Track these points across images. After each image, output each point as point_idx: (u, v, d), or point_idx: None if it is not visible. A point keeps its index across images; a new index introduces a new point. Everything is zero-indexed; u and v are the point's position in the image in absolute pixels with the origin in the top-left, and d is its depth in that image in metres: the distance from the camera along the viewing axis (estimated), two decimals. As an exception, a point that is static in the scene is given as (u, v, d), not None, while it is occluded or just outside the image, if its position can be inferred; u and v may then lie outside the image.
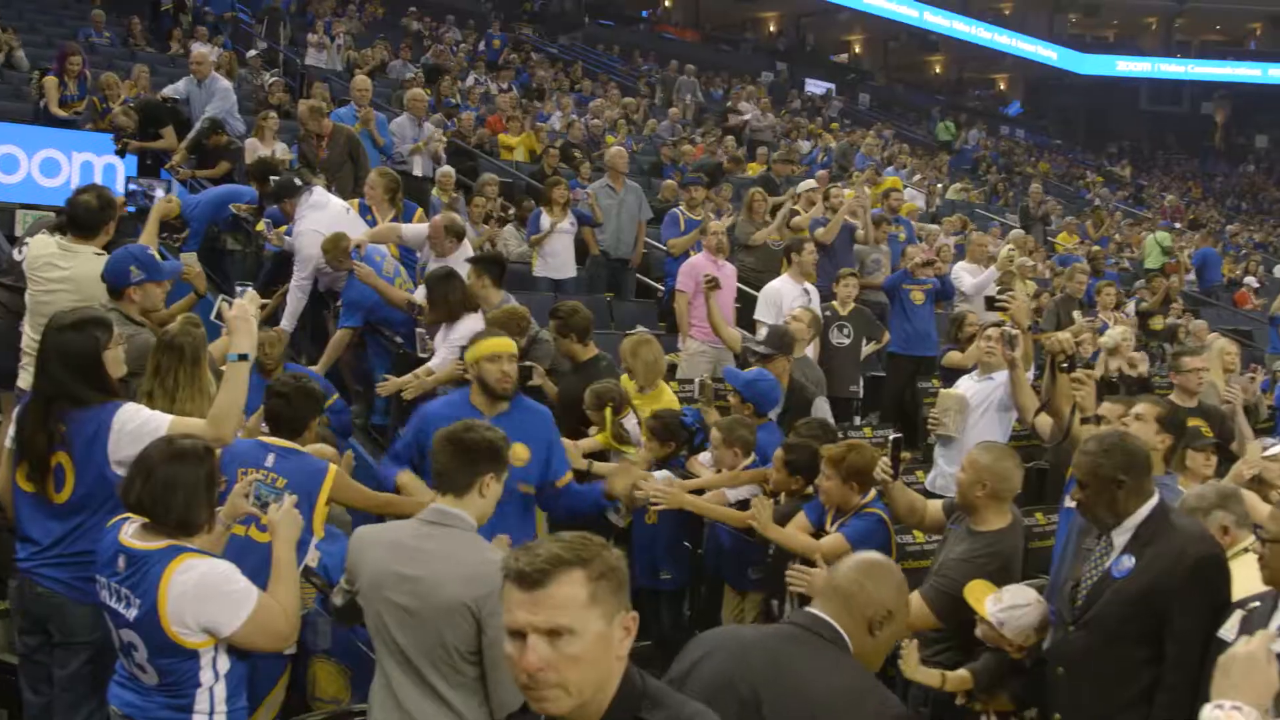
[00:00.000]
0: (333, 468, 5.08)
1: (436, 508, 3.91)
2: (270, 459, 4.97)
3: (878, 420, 10.00)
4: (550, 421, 5.87)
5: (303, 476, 4.91)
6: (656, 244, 12.80)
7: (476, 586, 3.65)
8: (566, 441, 6.61)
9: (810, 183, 14.07)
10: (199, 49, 14.12)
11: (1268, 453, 6.67)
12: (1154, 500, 4.29)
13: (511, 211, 13.27)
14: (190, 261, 7.38)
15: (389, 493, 5.59)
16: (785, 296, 9.82)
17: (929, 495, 7.20)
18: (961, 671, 4.76)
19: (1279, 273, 25.50)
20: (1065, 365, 6.09)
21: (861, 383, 10.48)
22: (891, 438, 5.49)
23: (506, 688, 3.65)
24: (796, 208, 12.93)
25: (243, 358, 4.62)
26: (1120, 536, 4.27)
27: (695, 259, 10.24)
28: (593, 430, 7.15)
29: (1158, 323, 14.01)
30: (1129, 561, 4.20)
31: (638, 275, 12.93)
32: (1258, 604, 3.96)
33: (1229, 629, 3.94)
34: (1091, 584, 4.30)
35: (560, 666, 2.37)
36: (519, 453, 5.31)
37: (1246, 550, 4.67)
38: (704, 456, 6.81)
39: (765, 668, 3.09)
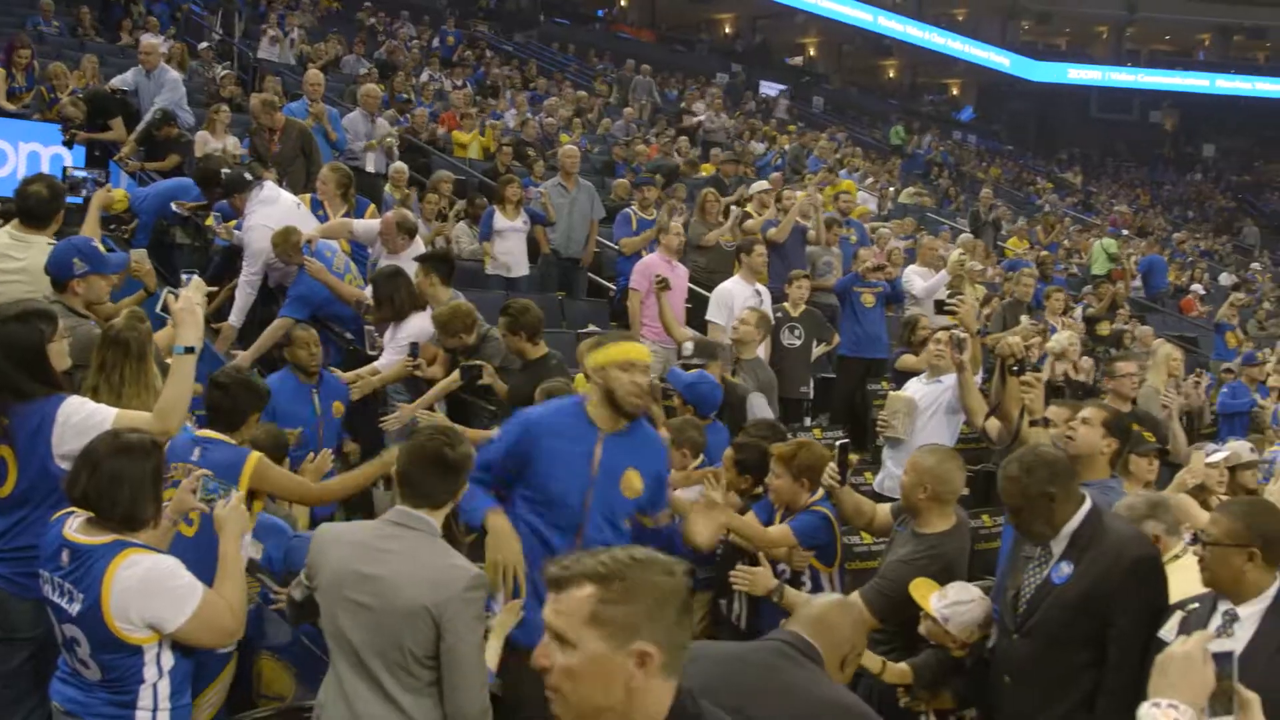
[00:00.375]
0: (253, 455, 5.00)
1: (403, 510, 3.89)
2: (197, 453, 4.90)
3: (828, 421, 10.04)
4: (665, 454, 5.20)
5: (222, 467, 4.78)
6: (609, 243, 12.81)
7: (439, 591, 3.66)
8: None
9: (762, 184, 14.11)
10: (148, 39, 13.96)
11: (1210, 459, 6.76)
12: (1086, 506, 4.34)
13: (464, 208, 13.22)
14: (140, 258, 7.31)
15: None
16: (737, 297, 9.85)
17: (878, 497, 7.25)
18: (902, 665, 4.78)
19: (1224, 280, 25.82)
20: (1015, 369, 6.16)
21: (812, 384, 10.53)
22: (839, 443, 5.52)
23: (462, 694, 3.67)
24: (749, 209, 12.97)
25: (189, 350, 4.58)
26: (1058, 545, 4.33)
27: (649, 258, 10.26)
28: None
29: (1104, 328, 14.13)
30: (1068, 568, 4.26)
31: (589, 274, 12.92)
32: (1196, 605, 4.03)
33: (1169, 630, 4.00)
34: (1032, 592, 4.35)
35: (557, 673, 2.36)
36: (632, 481, 4.74)
37: (1177, 557, 4.78)
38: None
39: (753, 678, 3.12)
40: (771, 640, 3.31)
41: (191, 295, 4.72)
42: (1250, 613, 3.85)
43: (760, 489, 6.02)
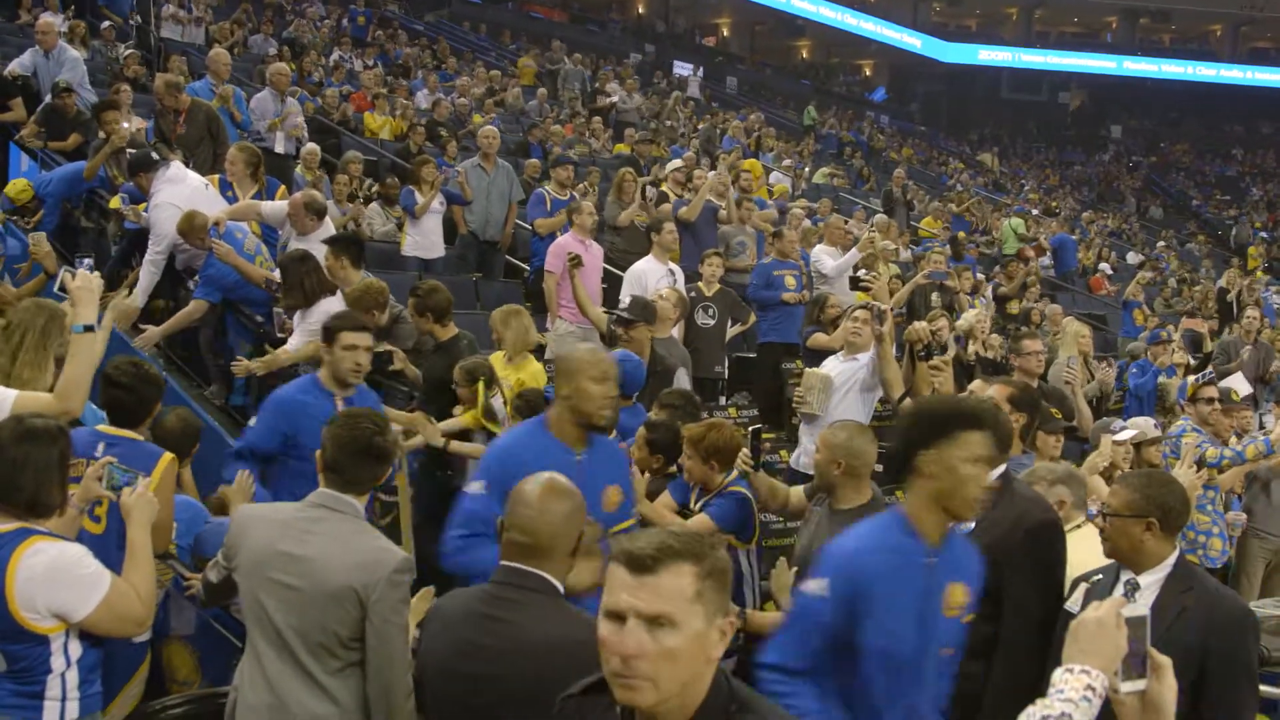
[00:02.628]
0: (167, 455, 4.88)
1: (328, 493, 3.87)
2: (100, 448, 4.75)
3: (745, 400, 10.07)
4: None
5: (134, 464, 4.59)
6: (523, 224, 12.76)
7: (367, 573, 3.66)
8: (424, 422, 6.62)
9: (676, 163, 14.11)
10: (46, 18, 13.66)
11: (1117, 438, 6.89)
12: (999, 469, 4.39)
13: (376, 189, 13.09)
14: (39, 241, 7.17)
15: None
16: (650, 277, 9.85)
17: (795, 474, 7.31)
18: None
19: (1131, 259, 26.29)
20: (922, 354, 6.26)
21: (726, 363, 10.56)
22: (751, 429, 5.53)
23: (388, 675, 3.68)
24: (665, 188, 13.00)
25: (88, 328, 4.53)
26: None
27: (563, 239, 10.20)
28: (458, 410, 7.11)
29: (1014, 306, 14.34)
30: (969, 524, 4.29)
31: (504, 256, 12.86)
32: (1100, 576, 4.12)
33: (1074, 602, 4.09)
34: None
35: (655, 657, 2.35)
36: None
37: (1079, 527, 4.96)
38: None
39: (478, 638, 3.11)
40: (491, 585, 3.26)
41: (90, 275, 4.68)
42: (1150, 581, 3.97)
43: (674, 468, 6.04)
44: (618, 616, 2.39)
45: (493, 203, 12.26)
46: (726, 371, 10.57)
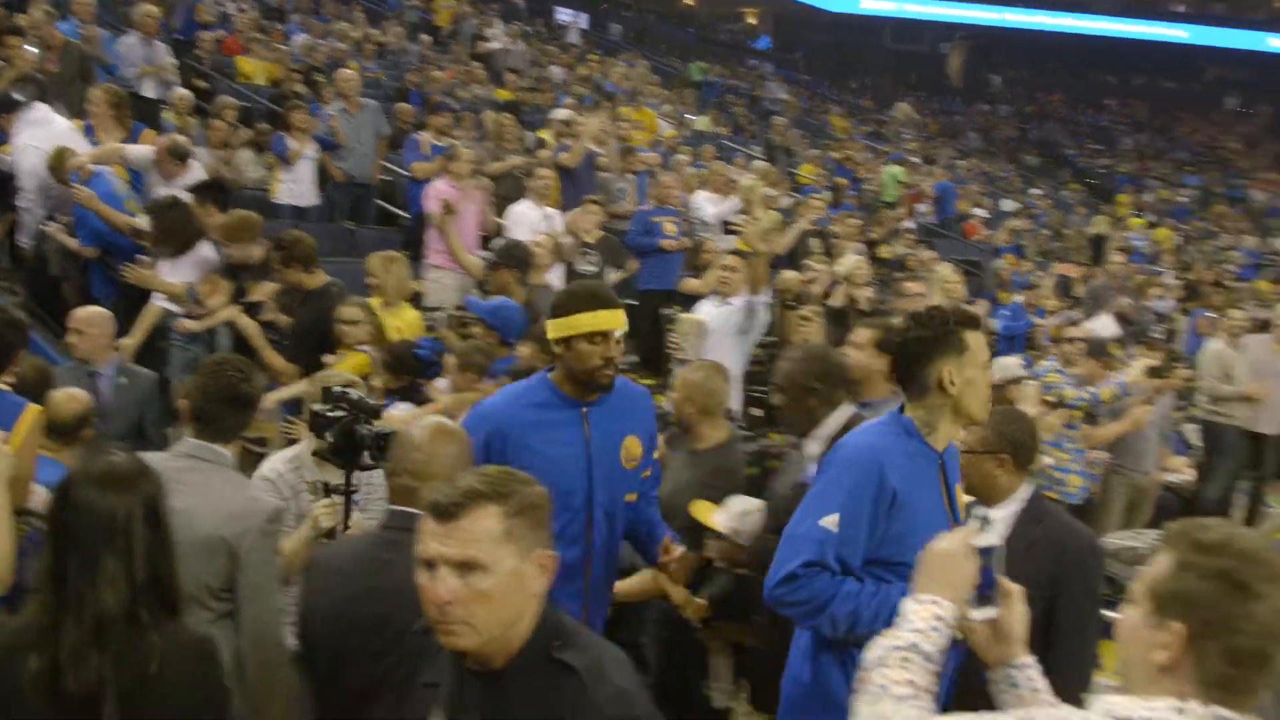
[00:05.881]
0: (32, 407, 4.66)
1: (195, 443, 3.83)
2: None
3: (627, 348, 10.05)
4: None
5: None
6: (400, 169, 12.61)
7: (237, 523, 3.65)
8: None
9: (563, 111, 14.07)
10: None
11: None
12: (846, 411, 4.47)
13: (251, 136, 12.82)
14: None
15: None
16: (525, 220, 9.82)
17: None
18: (699, 600, 4.79)
19: (1006, 206, 26.72)
20: (792, 303, 6.32)
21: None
22: None
23: (260, 625, 3.68)
24: (544, 135, 12.96)
25: None
26: (813, 446, 4.44)
27: (438, 184, 10.09)
28: (330, 360, 7.01)
29: (884, 252, 14.51)
30: (815, 469, 4.35)
31: (380, 202, 12.70)
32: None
33: (935, 541, 4.15)
34: (787, 492, 4.44)
35: (469, 601, 2.37)
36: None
37: None
38: (440, 383, 6.77)
39: (372, 581, 3.14)
40: (377, 531, 3.33)
41: None
42: (1002, 515, 4.04)
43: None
44: (429, 565, 2.43)
45: (364, 144, 12.09)
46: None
